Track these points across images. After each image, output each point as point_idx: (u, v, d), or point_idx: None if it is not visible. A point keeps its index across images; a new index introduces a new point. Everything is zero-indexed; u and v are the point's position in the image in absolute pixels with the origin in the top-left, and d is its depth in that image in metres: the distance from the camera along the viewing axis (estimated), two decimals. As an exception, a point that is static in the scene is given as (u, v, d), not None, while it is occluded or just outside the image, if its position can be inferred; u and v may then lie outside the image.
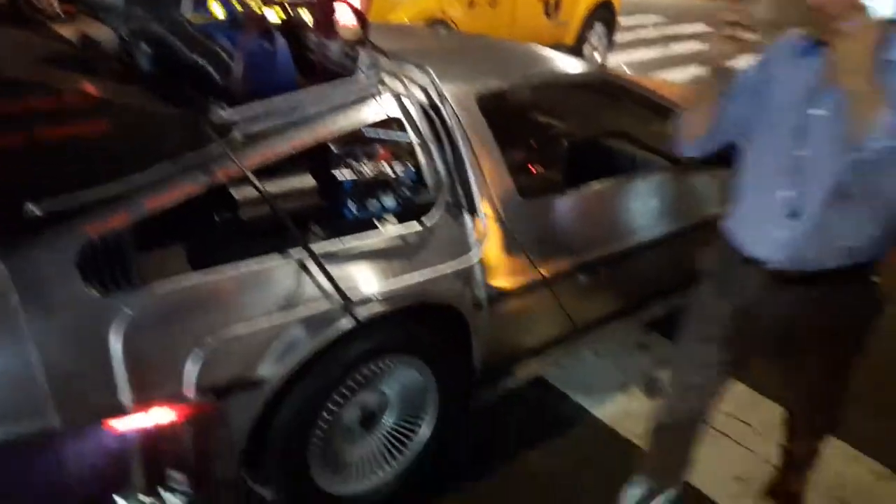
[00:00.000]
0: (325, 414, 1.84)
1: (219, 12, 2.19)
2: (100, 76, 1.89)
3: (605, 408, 2.60)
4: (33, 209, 1.44)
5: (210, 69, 1.83)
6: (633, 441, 2.43)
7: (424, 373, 2.04)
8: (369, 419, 2.02)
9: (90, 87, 1.54)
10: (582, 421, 2.54)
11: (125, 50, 2.14)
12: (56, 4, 8.21)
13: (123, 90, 1.70)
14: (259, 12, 1.96)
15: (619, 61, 7.52)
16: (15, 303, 1.40)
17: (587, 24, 6.96)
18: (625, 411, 2.58)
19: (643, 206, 2.52)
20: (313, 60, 2.11)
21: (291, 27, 2.14)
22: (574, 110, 2.89)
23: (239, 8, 2.12)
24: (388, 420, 2.08)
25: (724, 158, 2.63)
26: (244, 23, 1.99)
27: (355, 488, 2.04)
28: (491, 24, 5.86)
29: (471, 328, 2.04)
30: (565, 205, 2.28)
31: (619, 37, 8.03)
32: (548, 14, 6.51)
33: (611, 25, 7.27)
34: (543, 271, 2.18)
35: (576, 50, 6.90)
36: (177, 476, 1.59)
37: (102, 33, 2.28)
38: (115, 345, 1.45)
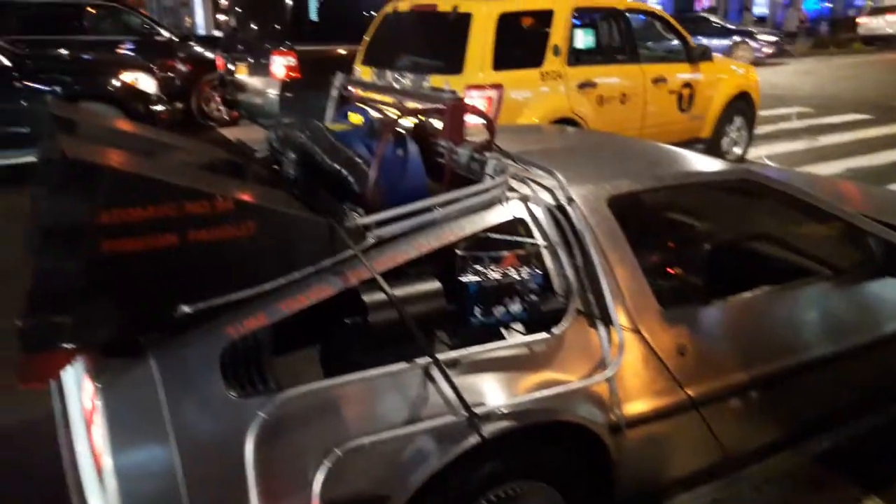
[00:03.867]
0: None
1: (356, 120, 2.31)
2: (250, 181, 1.99)
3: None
4: (184, 308, 1.48)
5: (348, 176, 1.88)
6: None
7: (555, 502, 1.85)
8: None
9: (240, 193, 1.60)
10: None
11: (274, 157, 2.27)
12: (224, 112, 9.26)
13: (270, 195, 1.77)
14: (393, 119, 2.01)
15: (761, 154, 7.16)
16: (161, 399, 1.43)
17: (724, 118, 6.70)
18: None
19: (803, 321, 2.26)
20: (442, 165, 2.12)
21: (422, 133, 2.19)
22: (714, 212, 2.70)
23: (374, 115, 2.21)
24: None
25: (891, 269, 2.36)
26: (380, 132, 2.05)
27: None
28: (621, 121, 5.76)
29: (609, 453, 1.84)
30: (711, 316, 2.07)
31: (760, 129, 7.70)
32: (682, 108, 6.29)
33: (750, 118, 7.00)
34: (689, 391, 1.96)
35: (713, 144, 6.66)
36: None
37: (260, 136, 2.46)
38: (249, 450, 1.43)
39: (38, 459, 2.30)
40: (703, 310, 2.07)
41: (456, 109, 1.98)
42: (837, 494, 2.51)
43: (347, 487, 1.52)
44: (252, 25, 7.77)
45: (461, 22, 4.98)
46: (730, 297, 2.12)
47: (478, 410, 1.62)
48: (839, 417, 2.44)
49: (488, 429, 1.64)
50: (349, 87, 2.58)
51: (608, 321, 1.86)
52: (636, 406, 1.88)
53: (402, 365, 1.60)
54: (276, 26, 6.98)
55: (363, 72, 5.93)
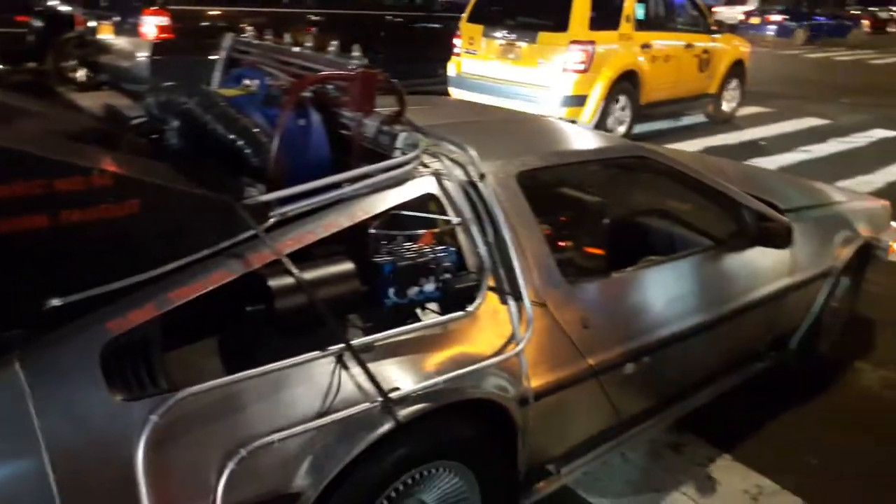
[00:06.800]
0: None
1: (251, 85, 2.13)
2: (127, 152, 1.77)
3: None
4: (53, 301, 1.30)
5: (245, 148, 1.72)
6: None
7: (467, 478, 1.85)
8: None
9: (119, 166, 1.41)
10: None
11: (152, 124, 2.04)
12: (85, 75, 8.53)
13: (153, 169, 1.58)
14: (300, 84, 1.87)
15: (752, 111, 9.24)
16: (30, 408, 1.24)
17: (726, 79, 8.71)
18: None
19: (688, 290, 2.39)
20: (345, 137, 2.01)
21: (324, 101, 2.06)
22: (612, 188, 2.80)
23: (272, 81, 2.05)
24: None
25: (763, 241, 2.56)
26: (279, 98, 1.91)
27: None
28: (665, 75, 7.61)
29: (516, 426, 1.87)
30: (610, 288, 2.15)
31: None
32: (701, 70, 8.21)
33: (742, 80, 9.09)
34: (591, 361, 2.02)
35: (717, 99, 8.75)
36: None
37: (123, 104, 2.20)
38: (139, 457, 1.28)
39: None
40: (603, 282, 2.13)
41: (367, 77, 1.87)
42: (694, 457, 2.65)
43: (254, 488, 1.42)
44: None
45: None
46: (626, 270, 2.20)
47: (392, 395, 1.56)
48: (710, 379, 2.64)
49: (403, 412, 1.59)
50: (240, 50, 2.37)
51: (518, 297, 1.86)
52: (543, 378, 1.91)
53: (312, 353, 1.51)
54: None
55: (471, 29, 7.31)
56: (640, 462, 2.61)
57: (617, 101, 7.07)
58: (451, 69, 7.56)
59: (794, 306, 2.87)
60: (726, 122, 8.90)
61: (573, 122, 6.55)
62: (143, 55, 6.17)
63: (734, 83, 8.96)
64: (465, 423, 1.80)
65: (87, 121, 2.06)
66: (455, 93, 7.53)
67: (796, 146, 7.82)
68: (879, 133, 8.86)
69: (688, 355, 2.40)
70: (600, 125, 6.91)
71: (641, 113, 7.54)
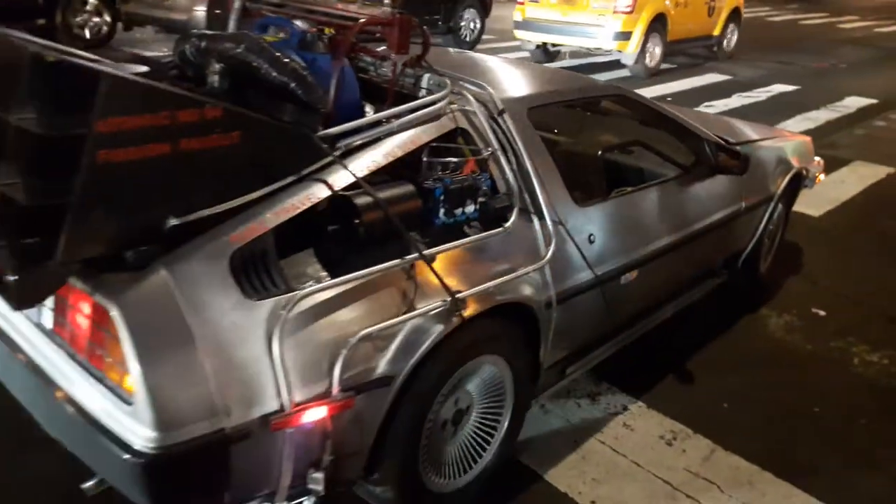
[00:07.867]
0: (431, 412, 1.92)
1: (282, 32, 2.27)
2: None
3: (556, 470, 2.35)
4: (172, 220, 1.49)
5: (297, 88, 1.90)
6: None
7: (503, 369, 2.15)
8: (459, 417, 2.11)
9: (219, 102, 1.59)
10: (532, 487, 2.29)
11: (183, 69, 2.16)
12: (99, 20, 7.90)
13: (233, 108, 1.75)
14: (350, 32, 2.06)
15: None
16: (182, 308, 1.44)
17: (726, 23, 10.92)
18: (579, 473, 2.35)
19: (671, 210, 2.76)
20: (367, 80, 2.22)
21: (346, 47, 2.24)
22: (598, 122, 3.12)
23: (302, 27, 2.21)
24: (473, 418, 2.17)
25: (723, 169, 2.95)
26: (313, 43, 2.09)
27: (449, 486, 2.11)
28: (683, 18, 9.78)
29: (541, 326, 2.17)
30: (610, 209, 2.47)
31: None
32: (709, 14, 10.42)
33: (738, 24, 11.40)
34: (597, 271, 2.35)
35: (720, 40, 10.95)
36: (316, 476, 1.63)
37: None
38: (276, 348, 1.51)
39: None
40: (603, 204, 2.46)
41: (404, 22, 2.08)
42: (610, 405, 2.73)
43: (361, 371, 1.68)
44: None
45: None
46: (622, 193, 2.54)
47: (458, 296, 1.83)
48: (682, 290, 3.05)
49: (466, 311, 1.86)
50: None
51: (542, 216, 2.16)
52: (562, 285, 2.22)
53: (394, 262, 1.76)
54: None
55: None
56: (558, 412, 2.65)
57: (650, 38, 9.17)
58: (517, 15, 9.66)
59: (744, 228, 3.31)
60: (729, 59, 11.04)
61: (619, 53, 9.11)
62: (200, 9, 6.20)
63: (731, 27, 11.10)
64: (504, 322, 2.09)
65: (129, 67, 2.15)
66: (521, 34, 9.77)
67: (702, 101, 8.23)
68: (779, 87, 9.55)
69: (668, 268, 2.78)
70: (639, 57, 9.14)
71: (668, 49, 9.56)
